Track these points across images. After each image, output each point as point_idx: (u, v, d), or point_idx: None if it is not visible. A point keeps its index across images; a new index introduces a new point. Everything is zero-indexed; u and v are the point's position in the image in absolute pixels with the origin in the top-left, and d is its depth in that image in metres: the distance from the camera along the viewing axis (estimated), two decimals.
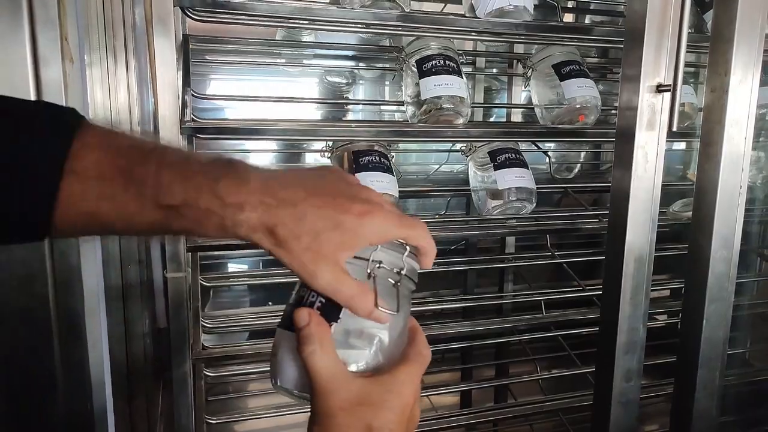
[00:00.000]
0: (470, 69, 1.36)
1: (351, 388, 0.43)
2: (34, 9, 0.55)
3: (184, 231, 0.41)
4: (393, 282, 0.45)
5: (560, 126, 1.10)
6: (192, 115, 0.85)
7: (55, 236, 0.41)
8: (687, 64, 1.24)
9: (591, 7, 1.48)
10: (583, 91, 1.05)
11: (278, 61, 1.27)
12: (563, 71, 1.07)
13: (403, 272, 0.46)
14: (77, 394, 0.70)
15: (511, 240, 1.51)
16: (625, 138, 0.84)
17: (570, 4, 1.46)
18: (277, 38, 1.20)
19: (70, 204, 0.39)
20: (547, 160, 1.38)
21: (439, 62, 0.99)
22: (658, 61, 0.82)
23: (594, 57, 1.53)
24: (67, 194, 0.38)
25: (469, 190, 1.24)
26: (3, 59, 0.55)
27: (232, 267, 1.43)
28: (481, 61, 1.39)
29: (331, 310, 0.44)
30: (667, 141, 0.85)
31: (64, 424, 0.69)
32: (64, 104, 0.58)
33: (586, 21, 1.52)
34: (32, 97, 0.57)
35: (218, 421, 1.03)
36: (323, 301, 0.44)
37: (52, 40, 0.56)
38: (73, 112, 0.41)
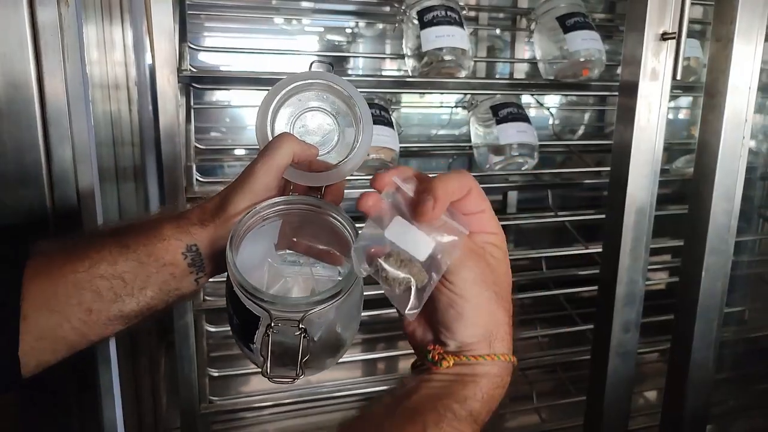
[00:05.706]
0: (473, 26, 1.34)
1: None
2: None
3: None
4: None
5: (563, 80, 1.08)
6: (190, 66, 0.84)
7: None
8: (694, 21, 1.23)
9: None
10: (587, 43, 1.03)
11: (275, 19, 1.24)
12: (567, 23, 1.04)
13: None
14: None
15: (512, 201, 1.50)
16: (629, 88, 0.83)
17: None
18: None
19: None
20: (550, 118, 1.37)
21: (441, 13, 0.97)
22: (664, 10, 0.80)
23: (600, 14, 1.50)
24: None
25: (471, 149, 1.23)
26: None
27: None
28: (483, 18, 1.36)
29: None
30: (670, 96, 0.84)
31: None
32: (60, 45, 0.58)
33: None
34: (29, 38, 0.56)
35: (221, 374, 1.04)
36: None
37: None
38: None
